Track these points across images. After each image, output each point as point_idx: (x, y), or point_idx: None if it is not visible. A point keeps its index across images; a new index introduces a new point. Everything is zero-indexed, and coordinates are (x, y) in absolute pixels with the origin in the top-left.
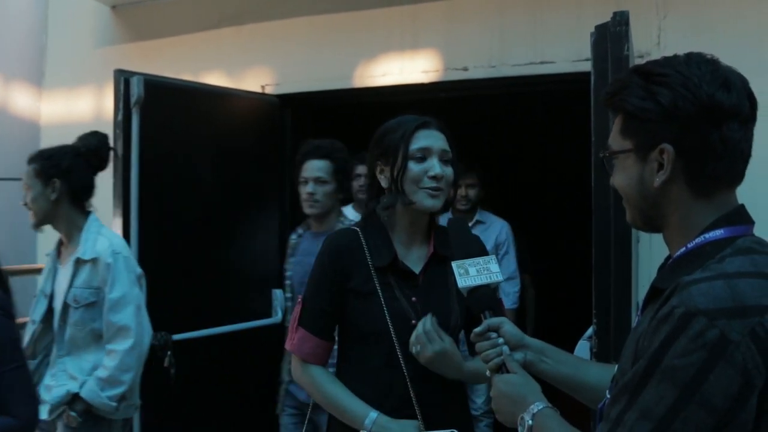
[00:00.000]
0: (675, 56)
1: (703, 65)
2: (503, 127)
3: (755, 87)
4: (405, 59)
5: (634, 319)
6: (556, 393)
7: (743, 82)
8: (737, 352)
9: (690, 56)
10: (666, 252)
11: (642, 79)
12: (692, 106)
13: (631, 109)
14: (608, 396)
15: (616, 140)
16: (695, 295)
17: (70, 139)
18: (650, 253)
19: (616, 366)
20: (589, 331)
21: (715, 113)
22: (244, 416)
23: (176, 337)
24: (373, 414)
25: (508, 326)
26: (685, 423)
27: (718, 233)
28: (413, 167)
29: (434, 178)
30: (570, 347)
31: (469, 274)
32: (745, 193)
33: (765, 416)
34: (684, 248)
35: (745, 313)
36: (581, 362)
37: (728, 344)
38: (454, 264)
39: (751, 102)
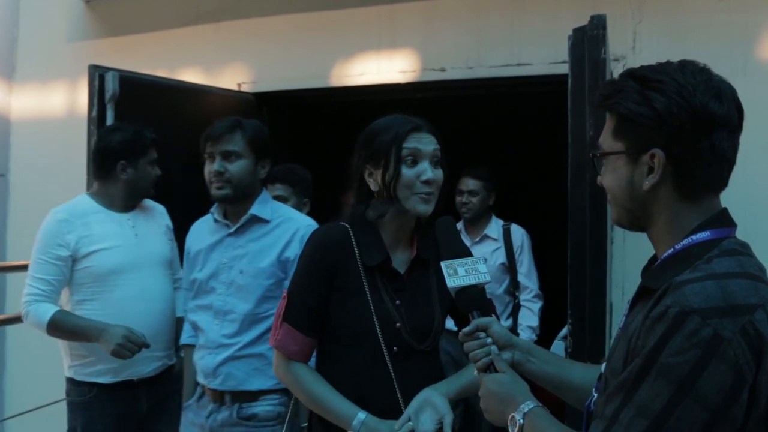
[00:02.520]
0: (669, 63)
1: (698, 74)
2: (480, 127)
3: None
4: (382, 59)
5: (608, 320)
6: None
7: (733, 93)
8: (729, 349)
9: (684, 64)
10: (638, 254)
11: (638, 84)
12: (686, 114)
13: (626, 113)
14: (594, 394)
15: (607, 141)
16: (688, 295)
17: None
18: (623, 254)
19: (602, 365)
20: (564, 330)
21: (706, 122)
22: None
23: None
24: (362, 415)
25: (497, 326)
26: (680, 419)
27: (704, 235)
28: (406, 172)
29: (426, 182)
30: (545, 347)
31: (458, 274)
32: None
33: (754, 410)
34: (672, 249)
35: (736, 312)
36: (567, 362)
37: (721, 342)
38: (443, 264)
39: (739, 112)
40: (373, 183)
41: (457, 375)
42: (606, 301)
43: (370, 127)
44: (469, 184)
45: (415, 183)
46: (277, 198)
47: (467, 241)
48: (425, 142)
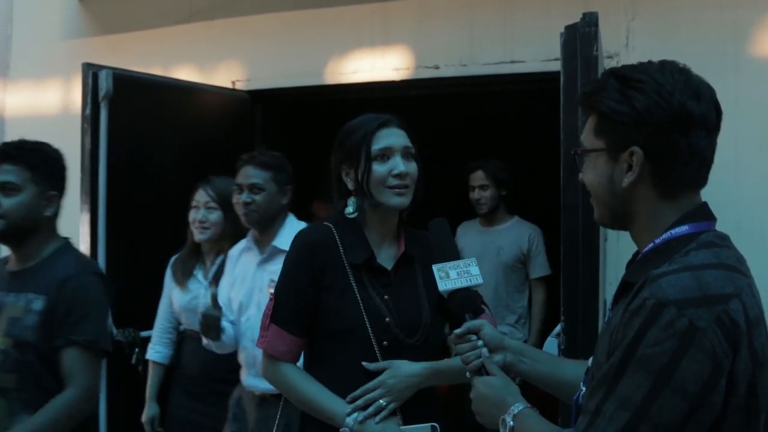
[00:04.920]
0: (650, 62)
1: (677, 74)
2: (473, 125)
3: (718, 89)
4: (376, 56)
5: (602, 317)
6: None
7: (711, 93)
8: (705, 339)
9: (664, 64)
10: (632, 251)
11: (618, 83)
12: (664, 113)
13: (607, 111)
14: (583, 388)
15: (588, 139)
16: (665, 287)
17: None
18: (617, 251)
19: (590, 360)
20: (558, 328)
21: (684, 121)
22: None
23: (144, 333)
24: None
25: (488, 329)
26: (661, 409)
27: (683, 229)
28: (377, 168)
29: (399, 176)
30: (539, 344)
31: (450, 277)
32: (705, 190)
33: (732, 398)
34: (652, 244)
35: (711, 302)
36: (559, 360)
37: (696, 331)
38: (434, 267)
39: (717, 112)
40: (350, 182)
41: (436, 361)
42: (599, 298)
43: (343, 129)
44: None
45: (388, 178)
46: (3, 185)
47: None
48: (395, 137)
